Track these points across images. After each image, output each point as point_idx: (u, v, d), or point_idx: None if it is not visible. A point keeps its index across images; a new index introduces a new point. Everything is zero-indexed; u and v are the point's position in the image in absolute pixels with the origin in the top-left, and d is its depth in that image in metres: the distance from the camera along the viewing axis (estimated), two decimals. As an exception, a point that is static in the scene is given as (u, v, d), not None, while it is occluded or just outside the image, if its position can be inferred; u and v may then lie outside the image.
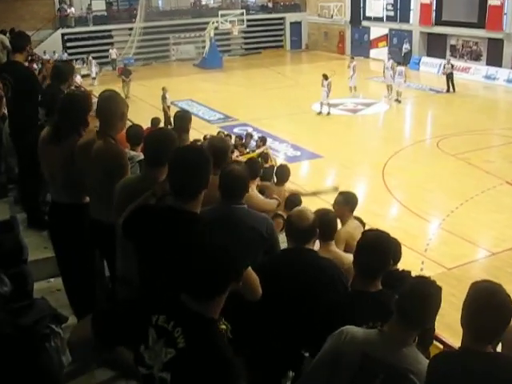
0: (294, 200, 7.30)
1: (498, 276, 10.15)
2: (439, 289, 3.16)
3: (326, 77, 25.68)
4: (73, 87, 8.94)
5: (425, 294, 3.13)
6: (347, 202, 6.57)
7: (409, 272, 4.97)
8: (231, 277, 2.59)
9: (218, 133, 18.14)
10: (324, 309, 3.69)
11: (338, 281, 3.96)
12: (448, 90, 29.49)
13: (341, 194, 6.77)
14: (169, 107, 23.74)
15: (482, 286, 3.08)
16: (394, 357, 3.13)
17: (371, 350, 3.14)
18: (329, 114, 25.68)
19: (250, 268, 3.28)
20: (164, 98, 23.79)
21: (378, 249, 3.60)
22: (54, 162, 5.08)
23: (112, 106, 4.64)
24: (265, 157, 14.66)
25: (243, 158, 13.75)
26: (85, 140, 4.83)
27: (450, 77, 29.57)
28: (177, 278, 2.67)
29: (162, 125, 17.89)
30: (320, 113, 25.75)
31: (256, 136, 18.70)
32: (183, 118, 6.81)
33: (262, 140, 16.55)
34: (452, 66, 30.13)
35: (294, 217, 4.08)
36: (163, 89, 23.87)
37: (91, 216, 4.82)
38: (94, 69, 35.84)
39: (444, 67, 30.67)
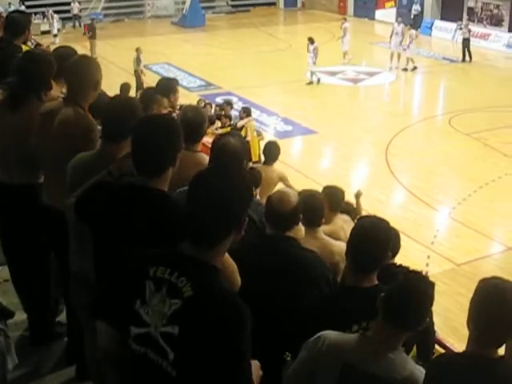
0: None
1: (514, 274, 10.19)
2: (431, 284, 3.17)
3: (311, 40, 25.59)
4: (30, 43, 8.83)
5: (414, 290, 3.12)
6: (328, 199, 6.33)
7: (407, 268, 4.96)
8: (233, 222, 2.68)
9: (198, 101, 18.03)
10: (301, 309, 3.66)
11: (321, 277, 3.92)
12: (464, 59, 29.48)
13: (324, 188, 6.65)
14: (142, 71, 23.61)
15: (490, 284, 3.08)
16: (379, 365, 3.11)
17: (352, 359, 3.12)
18: (319, 81, 25.68)
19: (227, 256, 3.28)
20: (138, 61, 23.64)
21: (375, 238, 3.56)
22: (7, 133, 4.96)
23: (85, 72, 4.55)
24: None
25: (223, 131, 13.70)
26: (49, 107, 4.72)
27: (466, 44, 29.51)
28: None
29: (132, 91, 17.88)
30: (311, 82, 25.74)
31: (239, 106, 18.60)
32: (166, 85, 6.78)
33: (246, 111, 16.28)
34: (469, 30, 29.98)
35: (275, 200, 4.04)
36: (137, 50, 23.72)
37: (43, 202, 4.74)
38: (56, 25, 35.61)
39: (460, 29, 30.63)
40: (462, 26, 30.76)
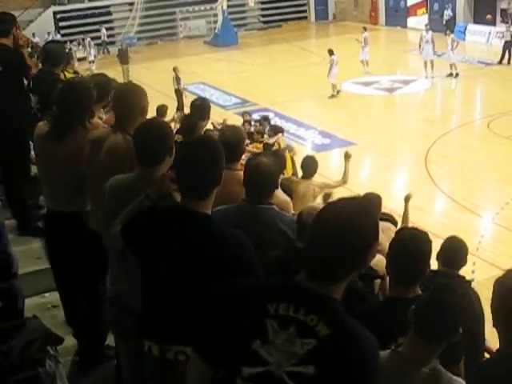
0: None
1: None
2: (462, 296, 3.16)
3: (330, 52, 25.45)
4: (70, 72, 8.97)
5: (444, 303, 3.11)
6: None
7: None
8: (360, 260, 2.57)
9: (243, 114, 18.02)
10: None
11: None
12: (501, 61, 29.09)
13: (364, 195, 7.03)
14: (183, 89, 23.76)
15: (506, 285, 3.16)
16: (413, 381, 3.08)
17: (385, 380, 2.98)
18: (337, 93, 25.53)
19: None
20: (178, 79, 23.67)
21: (414, 251, 3.60)
22: (55, 163, 5.03)
23: (131, 99, 4.58)
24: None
25: (255, 149, 13.63)
26: (97, 134, 4.79)
27: (507, 46, 29.10)
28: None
29: (173, 111, 18.03)
30: (332, 96, 25.56)
31: (275, 122, 18.54)
32: (200, 106, 6.89)
33: (274, 130, 15.95)
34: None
35: (305, 217, 4.05)
36: (174, 69, 23.78)
37: (90, 228, 4.79)
38: (93, 51, 36.05)
39: (503, 34, 30.21)
40: (505, 29, 30.27)
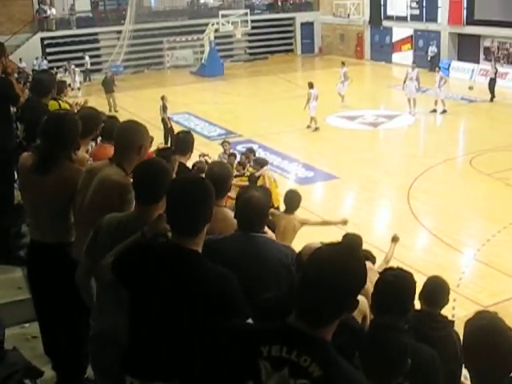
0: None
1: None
2: (406, 343, 3.19)
3: (310, 85, 25.64)
4: (63, 100, 8.94)
5: (383, 343, 3.17)
6: None
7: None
8: (347, 303, 2.62)
9: (223, 143, 18.01)
10: None
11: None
12: (492, 99, 29.43)
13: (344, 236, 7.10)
14: (169, 118, 23.83)
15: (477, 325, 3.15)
16: None
17: None
18: (315, 129, 25.62)
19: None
20: (164, 108, 23.76)
21: (399, 293, 3.66)
22: (41, 195, 5.02)
23: (131, 137, 4.63)
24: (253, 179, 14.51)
25: (239, 182, 13.63)
26: (93, 165, 4.89)
27: (492, 83, 29.42)
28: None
29: (160, 139, 17.98)
30: (309, 126, 25.83)
31: (259, 154, 18.58)
32: (183, 139, 6.94)
33: (259, 163, 15.88)
34: (496, 70, 29.94)
35: (305, 256, 4.09)
36: (162, 98, 23.83)
37: (73, 257, 4.78)
38: (78, 78, 36.17)
39: (487, 72, 30.59)
40: (490, 67, 30.64)
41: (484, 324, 3.13)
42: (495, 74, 29.70)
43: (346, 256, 2.62)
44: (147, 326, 3.35)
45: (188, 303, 3.22)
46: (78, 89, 35.07)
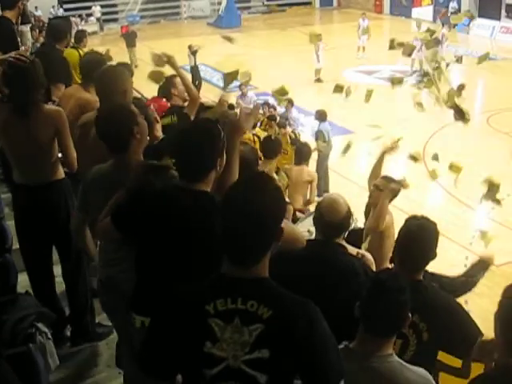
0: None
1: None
2: (405, 287, 3.21)
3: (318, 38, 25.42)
4: (83, 50, 8.91)
5: (385, 293, 3.16)
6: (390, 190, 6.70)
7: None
8: (271, 235, 2.64)
9: (240, 86, 18.04)
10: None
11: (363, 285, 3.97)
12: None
13: (384, 178, 6.90)
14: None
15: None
16: (366, 378, 3.11)
17: None
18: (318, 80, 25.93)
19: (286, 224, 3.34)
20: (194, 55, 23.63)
21: (421, 241, 3.76)
22: (23, 138, 5.10)
23: (113, 82, 4.66)
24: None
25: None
26: (85, 119, 4.94)
27: None
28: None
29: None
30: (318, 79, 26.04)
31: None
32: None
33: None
34: None
35: (324, 208, 4.07)
36: (190, 47, 23.87)
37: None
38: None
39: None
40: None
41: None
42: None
43: (259, 186, 2.63)
44: (158, 265, 3.42)
45: (199, 238, 3.27)
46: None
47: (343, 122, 20.65)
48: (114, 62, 7.11)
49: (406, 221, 3.96)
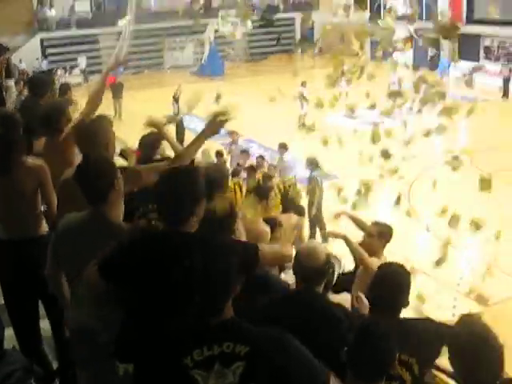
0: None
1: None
2: (389, 333, 3.21)
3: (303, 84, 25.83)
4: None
5: (371, 338, 3.18)
6: (381, 235, 6.73)
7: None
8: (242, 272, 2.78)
9: (231, 132, 18.23)
10: None
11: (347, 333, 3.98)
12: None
13: (375, 224, 6.92)
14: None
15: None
16: None
17: None
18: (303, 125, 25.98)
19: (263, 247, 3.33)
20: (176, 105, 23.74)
21: (394, 286, 3.78)
22: (5, 194, 5.11)
23: (95, 134, 4.66)
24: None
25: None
26: (67, 174, 4.85)
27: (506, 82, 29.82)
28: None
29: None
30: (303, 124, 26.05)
31: (259, 153, 18.75)
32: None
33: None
34: (510, 70, 30.51)
35: (303, 255, 4.08)
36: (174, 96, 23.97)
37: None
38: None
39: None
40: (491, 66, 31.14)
41: (473, 331, 3.29)
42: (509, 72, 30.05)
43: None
44: (146, 310, 3.37)
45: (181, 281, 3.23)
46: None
47: (327, 166, 20.74)
48: (96, 113, 7.12)
49: (380, 267, 4.05)
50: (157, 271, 3.36)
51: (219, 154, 17.67)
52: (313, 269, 3.99)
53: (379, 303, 3.92)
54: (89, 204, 4.02)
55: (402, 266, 4.01)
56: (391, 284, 3.89)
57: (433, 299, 6.19)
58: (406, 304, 3.94)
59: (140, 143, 6.14)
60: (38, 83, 7.31)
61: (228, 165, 17.45)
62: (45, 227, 5.30)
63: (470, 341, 3.24)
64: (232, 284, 2.71)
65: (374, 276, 4.07)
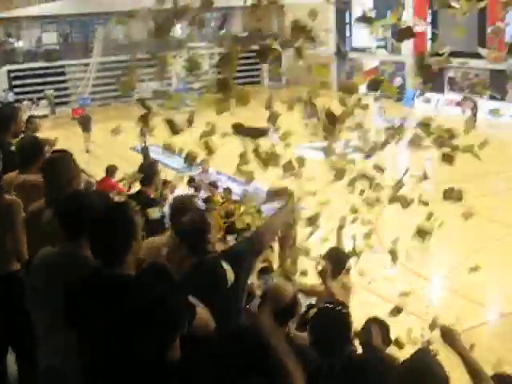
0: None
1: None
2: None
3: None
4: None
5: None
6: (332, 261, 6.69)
7: None
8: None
9: (201, 161, 18.17)
10: None
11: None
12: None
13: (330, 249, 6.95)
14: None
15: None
16: None
17: None
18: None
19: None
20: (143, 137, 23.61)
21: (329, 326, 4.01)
22: None
23: (58, 172, 4.71)
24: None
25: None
26: (34, 207, 4.86)
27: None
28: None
29: (122, 172, 18.10)
30: None
31: (227, 185, 18.85)
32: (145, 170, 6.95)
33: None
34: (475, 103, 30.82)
35: (271, 293, 4.12)
36: (141, 130, 23.65)
37: None
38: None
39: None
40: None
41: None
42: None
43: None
44: (102, 359, 3.33)
45: (133, 327, 3.23)
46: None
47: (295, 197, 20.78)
48: (64, 146, 7.11)
49: (318, 309, 4.16)
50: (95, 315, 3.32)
51: (191, 180, 17.85)
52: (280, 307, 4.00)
53: (318, 346, 4.01)
54: (65, 239, 4.00)
55: (337, 310, 4.20)
56: (326, 327, 4.02)
57: (402, 329, 6.23)
58: (346, 343, 4.07)
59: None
60: (1, 117, 7.18)
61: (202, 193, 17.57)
62: (17, 265, 5.30)
63: (414, 376, 3.33)
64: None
65: (312, 318, 4.23)
